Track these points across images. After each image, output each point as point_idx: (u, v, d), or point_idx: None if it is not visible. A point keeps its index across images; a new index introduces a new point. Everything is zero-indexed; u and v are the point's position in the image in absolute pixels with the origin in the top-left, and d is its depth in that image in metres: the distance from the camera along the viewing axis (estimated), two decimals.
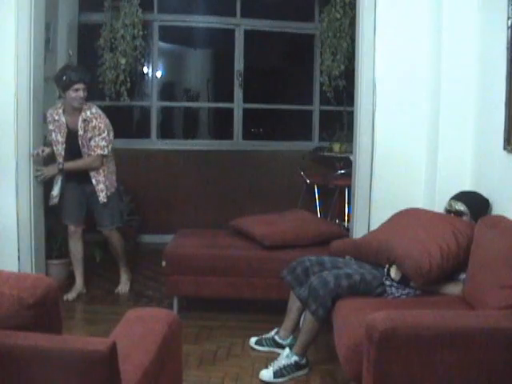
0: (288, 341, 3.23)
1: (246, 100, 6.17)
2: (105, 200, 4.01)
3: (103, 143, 3.92)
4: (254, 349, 3.32)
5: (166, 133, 6.43)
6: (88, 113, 3.90)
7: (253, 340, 3.34)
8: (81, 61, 5.72)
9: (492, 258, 2.47)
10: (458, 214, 3.03)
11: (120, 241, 4.29)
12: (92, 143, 3.92)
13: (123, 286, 4.32)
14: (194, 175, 5.89)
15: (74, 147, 3.96)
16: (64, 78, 3.80)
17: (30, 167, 3.74)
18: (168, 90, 6.87)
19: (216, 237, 4.14)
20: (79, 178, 4.06)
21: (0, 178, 3.68)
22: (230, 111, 6.20)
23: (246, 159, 6.00)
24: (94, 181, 4.00)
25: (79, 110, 3.88)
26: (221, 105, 6.90)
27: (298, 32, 6.32)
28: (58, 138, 3.95)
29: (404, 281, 2.87)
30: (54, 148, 3.97)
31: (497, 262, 2.41)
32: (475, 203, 3.05)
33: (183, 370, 2.38)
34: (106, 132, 3.92)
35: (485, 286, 2.46)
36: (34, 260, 3.76)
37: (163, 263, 3.83)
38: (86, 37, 5.65)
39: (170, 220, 5.62)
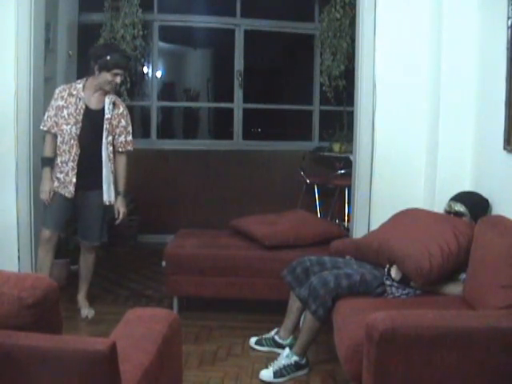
0: (288, 341, 3.23)
1: (246, 100, 6.17)
2: (110, 200, 3.68)
3: (131, 138, 3.72)
4: (254, 349, 3.31)
5: (165, 133, 6.43)
6: (114, 97, 3.65)
7: (253, 340, 3.34)
8: (81, 61, 5.72)
9: (492, 258, 2.46)
10: (458, 214, 3.03)
11: (95, 259, 3.89)
12: (121, 139, 3.66)
13: (90, 310, 3.82)
14: (194, 175, 5.89)
15: (91, 129, 3.58)
16: (108, 57, 3.49)
17: (30, 167, 3.73)
18: (168, 89, 6.87)
19: (216, 237, 4.14)
20: (90, 180, 3.64)
21: (0, 178, 3.68)
22: (230, 111, 6.20)
23: (246, 159, 6.00)
24: (105, 180, 3.64)
25: (104, 93, 3.60)
26: (221, 105, 6.90)
27: (297, 32, 6.31)
28: (73, 116, 3.54)
29: (404, 281, 2.87)
30: (61, 131, 3.55)
31: (497, 261, 2.41)
32: (474, 204, 3.05)
33: (183, 370, 2.38)
34: (130, 126, 3.72)
35: (485, 285, 2.46)
36: (34, 260, 3.75)
37: (163, 263, 3.83)
38: (86, 37, 5.65)
39: (170, 220, 5.62)
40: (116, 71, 3.53)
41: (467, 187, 3.31)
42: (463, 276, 2.77)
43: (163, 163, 5.87)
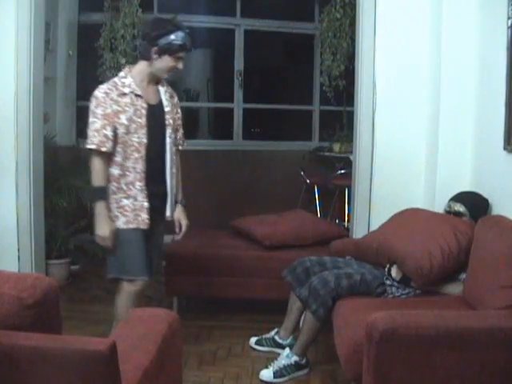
0: (288, 341, 3.23)
1: (245, 100, 6.17)
2: (172, 216, 3.03)
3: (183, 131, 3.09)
4: (254, 349, 3.32)
5: None
6: (165, 84, 2.98)
7: (253, 340, 3.34)
8: (81, 61, 5.72)
9: (492, 258, 2.46)
10: (458, 214, 3.03)
11: None
12: (180, 134, 3.05)
13: None
14: (193, 175, 5.88)
15: (158, 131, 2.86)
16: (173, 37, 2.79)
17: (30, 167, 3.73)
18: None
19: (216, 237, 4.14)
20: (160, 200, 2.91)
21: (0, 178, 3.68)
22: (230, 111, 6.20)
23: (246, 159, 6.00)
24: (170, 191, 2.94)
25: (155, 82, 2.92)
26: (221, 105, 6.90)
27: (297, 32, 6.32)
28: (134, 121, 2.76)
29: (405, 281, 2.87)
30: (122, 144, 2.75)
31: (497, 262, 2.41)
32: (474, 204, 3.05)
33: (183, 370, 2.39)
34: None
35: (485, 285, 2.46)
36: (34, 260, 3.75)
37: (163, 263, 3.83)
38: (86, 37, 5.66)
39: (170, 220, 5.61)
40: (180, 54, 2.84)
41: (467, 187, 3.31)
42: (463, 276, 2.78)
43: None
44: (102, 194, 2.75)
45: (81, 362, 1.50)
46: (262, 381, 2.95)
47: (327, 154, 5.84)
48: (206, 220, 5.65)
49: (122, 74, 2.84)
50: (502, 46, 2.91)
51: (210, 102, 7.37)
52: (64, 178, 4.52)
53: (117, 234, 2.76)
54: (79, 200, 4.51)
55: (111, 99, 2.72)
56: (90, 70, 5.65)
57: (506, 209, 2.84)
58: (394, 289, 2.89)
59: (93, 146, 2.70)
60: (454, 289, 2.79)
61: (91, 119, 2.72)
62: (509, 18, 2.85)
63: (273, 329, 3.36)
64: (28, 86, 3.65)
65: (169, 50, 2.79)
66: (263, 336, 3.35)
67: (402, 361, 2.05)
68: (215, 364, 3.15)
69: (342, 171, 5.43)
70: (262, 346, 3.31)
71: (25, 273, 3.20)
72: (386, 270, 2.96)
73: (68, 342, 1.54)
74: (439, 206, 3.28)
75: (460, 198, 3.10)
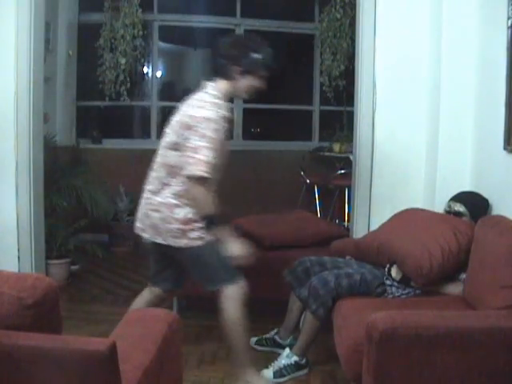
0: (288, 341, 3.23)
1: (245, 100, 6.15)
2: None
3: None
4: (254, 349, 3.31)
5: None
6: None
7: (253, 340, 3.34)
8: (81, 61, 5.73)
9: (492, 258, 2.46)
10: (458, 214, 3.03)
11: None
12: None
13: None
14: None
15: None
16: (255, 56, 2.67)
17: (30, 167, 3.73)
18: (168, 89, 6.87)
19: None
20: None
21: (0, 177, 3.68)
22: (230, 111, 6.19)
23: (245, 159, 5.99)
24: None
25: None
26: None
27: (297, 32, 6.32)
28: (225, 143, 2.73)
29: (405, 280, 2.87)
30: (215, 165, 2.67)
31: (497, 261, 2.41)
32: (474, 204, 3.05)
33: (183, 370, 2.38)
34: None
35: (485, 286, 2.46)
36: (34, 260, 3.75)
37: None
38: (86, 37, 5.66)
39: None
40: (264, 74, 2.73)
41: (467, 187, 3.31)
42: (463, 276, 2.78)
43: None
44: (225, 218, 2.80)
45: (81, 362, 1.50)
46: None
47: (327, 154, 5.84)
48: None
49: (213, 91, 2.69)
50: (502, 46, 2.91)
51: None
52: (64, 178, 4.53)
53: (213, 245, 2.73)
54: (79, 200, 4.52)
55: (223, 123, 2.62)
56: (89, 70, 5.66)
57: (506, 209, 2.84)
58: (393, 289, 2.89)
59: (206, 175, 2.60)
60: (454, 289, 2.79)
61: (204, 144, 2.54)
62: (509, 18, 2.85)
63: (273, 329, 3.36)
64: (28, 86, 3.65)
65: (252, 69, 2.69)
66: (263, 336, 3.35)
67: (402, 361, 2.05)
68: (215, 364, 3.14)
69: (342, 171, 5.43)
70: (262, 345, 3.31)
71: (25, 273, 3.20)
72: (386, 269, 2.96)
73: (68, 341, 1.54)
74: (439, 206, 3.28)
75: (460, 197, 3.10)
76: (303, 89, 6.43)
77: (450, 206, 3.08)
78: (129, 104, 5.86)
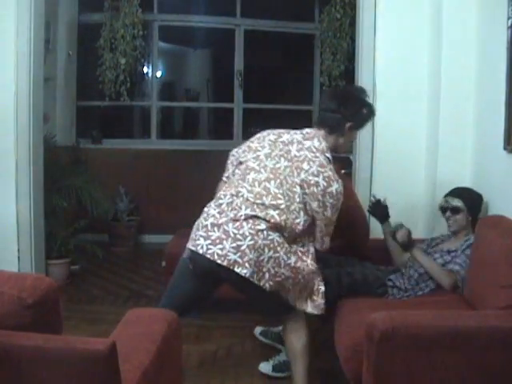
0: None
1: (245, 100, 6.16)
2: None
3: None
4: (256, 338, 3.30)
5: (165, 133, 6.43)
6: None
7: (258, 329, 3.31)
8: (81, 61, 5.73)
9: (492, 258, 2.46)
10: (455, 210, 3.01)
11: None
12: None
13: None
14: (194, 175, 5.89)
15: None
16: (365, 112, 2.64)
17: (30, 167, 3.73)
18: (168, 90, 6.88)
19: None
20: None
21: (0, 177, 3.68)
22: (230, 111, 6.20)
23: None
24: None
25: None
26: (221, 105, 6.90)
27: (297, 32, 6.32)
28: None
29: (409, 244, 2.90)
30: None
31: (497, 261, 2.41)
32: (471, 199, 3.04)
33: (183, 370, 2.38)
34: None
35: (485, 285, 2.46)
36: (34, 260, 3.75)
37: (163, 263, 3.83)
38: (86, 37, 5.66)
39: (170, 220, 5.61)
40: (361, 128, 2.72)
41: None
42: (456, 268, 2.76)
43: (163, 163, 5.86)
44: None
45: (81, 362, 1.50)
46: (261, 373, 2.96)
47: None
48: None
49: (325, 145, 2.55)
50: (502, 46, 2.91)
51: (209, 102, 7.37)
52: (64, 178, 4.52)
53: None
54: (79, 200, 4.52)
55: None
56: (89, 70, 5.66)
57: (505, 209, 2.83)
58: (395, 290, 2.88)
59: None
60: (445, 278, 2.77)
61: (335, 217, 2.51)
62: (509, 18, 2.85)
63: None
64: (28, 86, 3.65)
65: (362, 125, 2.66)
66: (270, 328, 3.31)
67: (402, 361, 2.05)
68: (215, 364, 3.14)
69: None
70: (266, 338, 3.28)
71: (25, 273, 3.20)
72: (391, 235, 2.96)
73: (68, 342, 1.54)
74: None
75: (457, 193, 3.08)
76: (303, 89, 6.43)
77: (447, 202, 3.05)
78: (129, 104, 5.86)
